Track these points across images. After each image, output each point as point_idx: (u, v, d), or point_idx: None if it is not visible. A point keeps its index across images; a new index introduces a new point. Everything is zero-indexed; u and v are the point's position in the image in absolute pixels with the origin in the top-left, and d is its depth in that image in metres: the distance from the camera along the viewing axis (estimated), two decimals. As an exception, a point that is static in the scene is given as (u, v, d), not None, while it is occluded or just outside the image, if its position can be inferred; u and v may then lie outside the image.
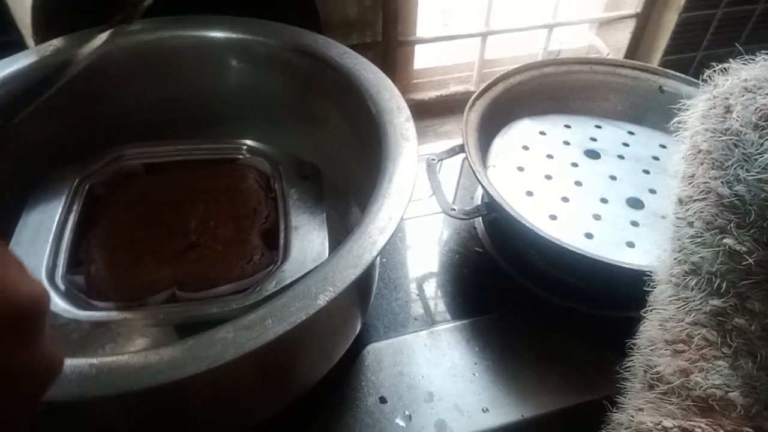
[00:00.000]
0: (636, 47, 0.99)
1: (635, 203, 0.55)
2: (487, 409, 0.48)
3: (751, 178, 0.32)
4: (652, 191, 0.57)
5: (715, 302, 0.33)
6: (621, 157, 0.61)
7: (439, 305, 0.56)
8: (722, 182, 0.35)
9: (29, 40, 0.63)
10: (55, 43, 0.49)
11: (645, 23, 0.96)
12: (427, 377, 0.49)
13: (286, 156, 0.51)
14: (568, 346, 0.52)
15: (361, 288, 0.44)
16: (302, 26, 0.54)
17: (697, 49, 0.98)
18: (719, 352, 0.32)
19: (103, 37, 0.50)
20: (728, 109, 0.37)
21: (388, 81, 0.47)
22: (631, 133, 0.64)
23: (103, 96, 0.51)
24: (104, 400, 0.27)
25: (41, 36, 0.59)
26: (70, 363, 0.27)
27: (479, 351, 0.52)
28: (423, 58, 0.95)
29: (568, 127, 0.64)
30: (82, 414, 0.32)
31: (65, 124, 0.49)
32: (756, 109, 0.35)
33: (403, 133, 0.43)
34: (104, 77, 0.50)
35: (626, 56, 1.00)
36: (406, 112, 0.44)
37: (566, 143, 0.62)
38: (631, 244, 0.52)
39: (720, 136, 0.36)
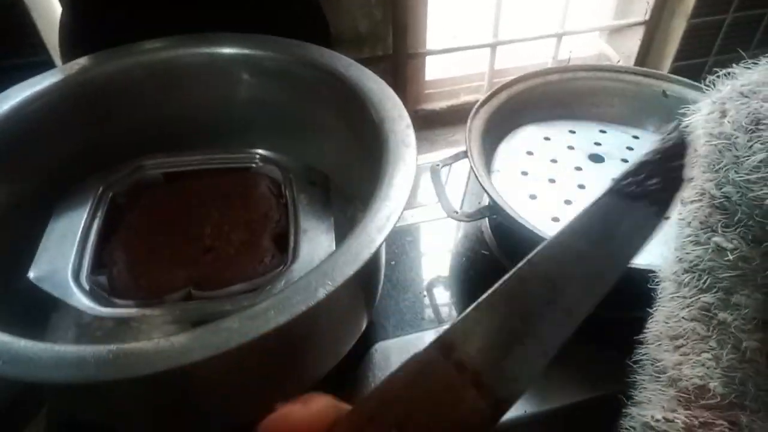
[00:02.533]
0: (646, 54, 1.00)
1: (637, 204, 0.56)
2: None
3: (739, 179, 0.34)
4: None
5: (705, 298, 0.35)
6: (625, 160, 0.62)
7: (446, 306, 0.57)
8: (714, 184, 0.36)
9: (57, 60, 0.68)
10: (81, 62, 0.53)
11: (654, 30, 0.97)
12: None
13: (296, 164, 0.54)
14: (571, 345, 0.53)
15: (364, 285, 0.46)
16: (313, 42, 0.56)
17: (707, 55, 0.98)
18: (707, 345, 0.33)
19: (127, 55, 0.53)
20: (724, 114, 0.39)
21: (391, 91, 0.49)
22: (635, 137, 0.65)
23: (122, 111, 0.55)
24: (121, 383, 0.29)
25: (68, 56, 0.63)
26: (91, 349, 0.29)
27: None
28: (435, 69, 0.98)
29: (572, 132, 0.66)
30: (101, 397, 0.34)
31: (88, 137, 0.53)
32: (748, 113, 0.36)
33: (403, 139, 0.45)
34: (124, 93, 0.53)
35: (636, 63, 1.01)
36: (407, 120, 0.46)
37: (570, 148, 0.63)
38: (632, 245, 0.53)
39: (714, 140, 0.38)
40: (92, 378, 0.28)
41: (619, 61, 0.99)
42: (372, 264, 0.43)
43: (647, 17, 0.94)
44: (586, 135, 0.65)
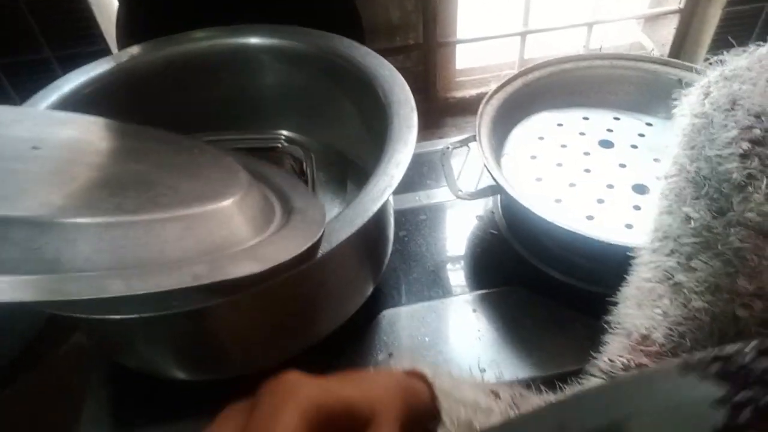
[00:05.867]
0: (681, 43, 0.99)
1: (640, 189, 0.59)
2: (485, 369, 0.53)
3: (712, 154, 0.36)
4: (660, 178, 0.59)
5: (669, 262, 0.38)
6: (634, 146, 0.64)
7: (452, 279, 0.61)
8: (690, 160, 0.39)
9: (114, 49, 0.75)
10: (130, 50, 0.60)
11: (689, 19, 0.96)
12: (434, 340, 0.55)
13: (317, 144, 0.59)
14: (567, 319, 0.56)
15: (367, 250, 0.51)
16: (345, 32, 0.61)
17: (744, 44, 0.96)
18: (660, 302, 0.37)
19: (171, 44, 0.60)
20: (707, 95, 0.41)
21: (401, 78, 0.54)
22: (649, 124, 0.67)
23: (165, 95, 0.61)
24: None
25: (123, 46, 0.71)
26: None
27: (485, 319, 0.57)
28: (466, 57, 1.01)
29: (586, 119, 0.68)
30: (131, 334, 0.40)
31: (134, 119, 0.59)
32: (727, 94, 0.39)
33: (407, 122, 0.49)
34: (166, 79, 0.60)
35: (671, 52, 1.00)
36: (411, 104, 0.50)
37: (582, 134, 0.66)
38: (629, 226, 0.55)
39: (695, 120, 0.41)
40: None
41: (653, 50, 0.99)
42: (371, 231, 0.48)
43: (682, 5, 0.94)
44: (599, 122, 0.67)
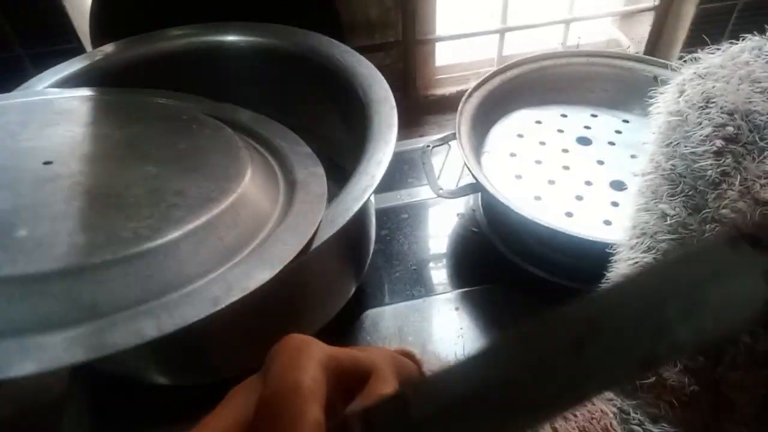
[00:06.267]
0: (657, 40, 1.01)
1: (618, 185, 0.59)
2: (467, 367, 0.53)
3: (687, 151, 0.37)
4: (637, 174, 0.60)
5: (646, 258, 0.38)
6: (612, 143, 0.64)
7: (434, 278, 0.61)
8: (665, 157, 0.40)
9: (88, 47, 0.74)
10: (105, 49, 0.58)
11: (664, 15, 0.97)
12: (417, 338, 0.56)
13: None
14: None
15: (349, 249, 0.50)
16: (324, 30, 0.61)
17: (719, 40, 0.98)
18: None
19: (146, 42, 0.59)
20: (682, 93, 0.42)
21: (380, 76, 0.53)
22: (626, 121, 0.68)
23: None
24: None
25: (97, 43, 0.69)
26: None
27: (466, 317, 0.57)
28: (445, 55, 1.01)
29: (564, 116, 0.69)
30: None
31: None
32: (702, 92, 0.40)
33: (387, 120, 0.49)
34: (143, 77, 0.59)
35: (647, 49, 1.01)
36: (391, 102, 0.50)
37: (560, 131, 0.66)
38: (608, 222, 0.56)
39: (670, 117, 0.41)
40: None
41: (629, 47, 1.01)
42: (353, 230, 0.48)
43: (656, 3, 0.95)
44: (577, 119, 0.68)
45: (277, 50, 0.59)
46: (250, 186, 0.42)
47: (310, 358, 0.20)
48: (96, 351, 0.30)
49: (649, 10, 0.96)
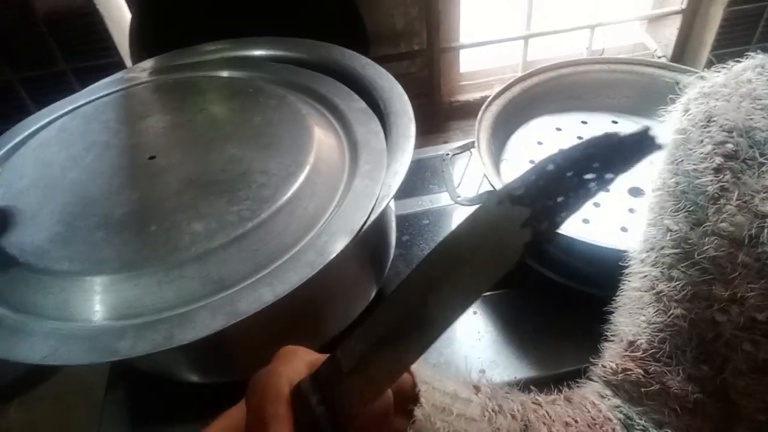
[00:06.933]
0: (684, 43, 1.00)
1: (636, 192, 0.60)
2: (484, 370, 0.55)
3: (689, 168, 0.38)
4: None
5: (653, 272, 0.39)
6: (631, 150, 0.65)
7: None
8: (670, 174, 0.41)
9: (128, 61, 0.78)
10: (142, 65, 0.62)
11: (692, 19, 0.97)
12: (436, 341, 0.57)
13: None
14: (565, 320, 0.57)
15: (368, 256, 0.53)
16: (350, 40, 0.63)
17: (748, 43, 0.97)
18: (645, 311, 0.38)
19: (182, 57, 0.62)
20: (686, 112, 0.43)
21: (400, 88, 0.55)
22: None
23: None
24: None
25: (136, 59, 0.73)
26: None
27: (484, 320, 0.59)
28: (470, 61, 1.02)
29: (584, 123, 0.69)
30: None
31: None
32: (704, 111, 0.41)
33: (404, 132, 0.51)
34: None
35: (674, 52, 1.01)
36: (410, 114, 0.52)
37: (580, 138, 0.67)
38: (624, 229, 0.56)
39: (675, 135, 0.42)
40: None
41: (656, 51, 1.00)
42: (372, 237, 0.50)
43: (684, 6, 0.95)
44: (597, 125, 0.69)
45: (302, 63, 0.62)
46: (320, 154, 0.48)
47: (300, 359, 0.25)
48: (232, 317, 0.37)
49: (676, 13, 0.96)
